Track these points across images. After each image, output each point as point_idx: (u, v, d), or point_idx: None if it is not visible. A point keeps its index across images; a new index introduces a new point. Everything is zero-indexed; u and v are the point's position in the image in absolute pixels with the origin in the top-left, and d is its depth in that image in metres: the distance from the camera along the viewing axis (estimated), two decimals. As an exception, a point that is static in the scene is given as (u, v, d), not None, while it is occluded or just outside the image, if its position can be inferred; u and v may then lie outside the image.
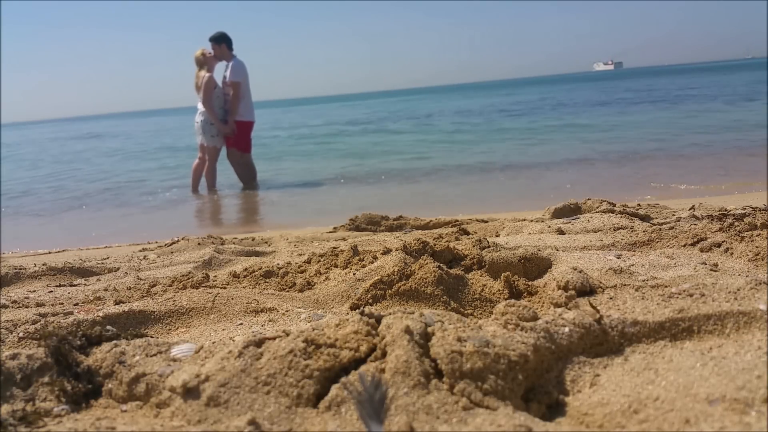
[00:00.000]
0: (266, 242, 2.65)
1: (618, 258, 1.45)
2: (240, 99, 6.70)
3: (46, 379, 0.87)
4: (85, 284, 1.77)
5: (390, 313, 0.91)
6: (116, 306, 1.30)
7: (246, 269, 1.71)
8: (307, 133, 16.59)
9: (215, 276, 1.73)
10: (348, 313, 1.13)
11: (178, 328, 1.24)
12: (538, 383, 0.82)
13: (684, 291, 1.00)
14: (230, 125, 6.71)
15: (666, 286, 1.06)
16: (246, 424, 0.69)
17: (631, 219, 2.10)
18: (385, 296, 1.25)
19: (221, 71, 6.85)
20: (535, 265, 1.41)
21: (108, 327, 1.03)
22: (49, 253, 2.97)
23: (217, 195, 6.62)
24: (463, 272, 1.34)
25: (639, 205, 2.55)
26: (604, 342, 0.89)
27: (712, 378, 0.73)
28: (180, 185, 7.54)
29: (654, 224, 1.96)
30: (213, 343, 0.97)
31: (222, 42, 6.74)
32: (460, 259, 1.43)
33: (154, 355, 0.92)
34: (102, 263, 2.18)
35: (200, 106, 6.78)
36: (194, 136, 7.06)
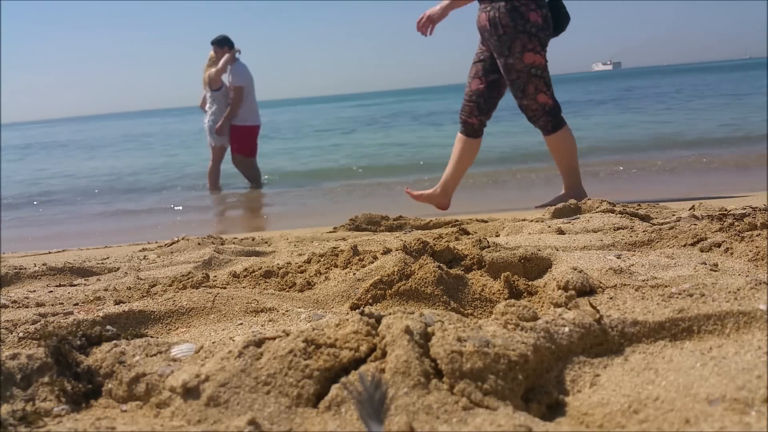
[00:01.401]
0: (266, 242, 2.65)
1: (618, 258, 1.45)
2: (241, 103, 6.72)
3: (46, 379, 0.87)
4: (85, 284, 1.77)
5: (390, 313, 0.91)
6: (116, 306, 1.30)
7: (246, 269, 1.71)
8: (306, 132, 16.59)
9: (215, 276, 1.73)
10: (348, 313, 1.13)
11: (178, 328, 1.24)
12: (538, 383, 0.82)
13: (684, 291, 1.00)
14: (225, 126, 6.72)
15: (666, 286, 1.06)
16: (246, 424, 0.69)
17: (631, 219, 2.10)
18: (385, 296, 1.25)
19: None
20: (535, 265, 1.41)
21: (108, 327, 1.03)
22: (49, 253, 2.97)
23: (220, 194, 6.64)
24: (463, 272, 1.34)
25: (639, 205, 2.55)
26: (604, 342, 0.89)
27: (712, 378, 0.73)
28: (182, 185, 7.54)
29: (654, 224, 1.96)
30: (213, 343, 0.97)
31: (224, 45, 6.77)
32: (460, 259, 1.43)
33: (154, 355, 0.93)
34: (102, 263, 2.18)
35: (208, 107, 6.83)
36: (204, 138, 7.13)
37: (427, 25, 3.51)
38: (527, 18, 3.37)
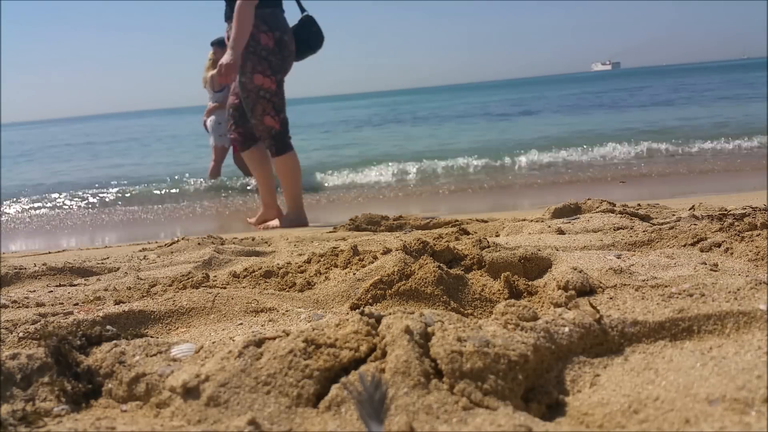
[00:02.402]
0: (266, 242, 2.65)
1: (618, 258, 1.45)
2: None
3: (46, 379, 0.87)
4: (85, 284, 1.77)
5: (390, 313, 0.91)
6: (116, 306, 1.30)
7: (246, 269, 1.71)
8: (306, 132, 16.59)
9: (215, 276, 1.73)
10: (348, 313, 1.13)
11: (178, 328, 1.24)
12: (538, 383, 0.82)
13: (684, 291, 1.00)
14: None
15: (666, 286, 1.06)
16: (246, 424, 0.69)
17: (631, 219, 2.10)
18: (385, 296, 1.25)
19: None
20: (535, 265, 1.40)
21: (108, 327, 1.03)
22: (49, 253, 2.97)
23: (220, 194, 6.65)
24: (463, 272, 1.34)
25: (639, 205, 2.55)
26: (604, 342, 0.89)
27: (712, 378, 0.73)
28: (181, 185, 7.54)
29: (654, 224, 1.96)
30: (213, 343, 0.97)
31: (225, 46, 6.78)
32: (460, 259, 1.43)
33: (154, 355, 0.93)
34: (102, 263, 2.17)
35: (209, 105, 6.84)
36: (204, 138, 7.14)
37: (230, 73, 3.50)
38: (258, 40, 3.45)
